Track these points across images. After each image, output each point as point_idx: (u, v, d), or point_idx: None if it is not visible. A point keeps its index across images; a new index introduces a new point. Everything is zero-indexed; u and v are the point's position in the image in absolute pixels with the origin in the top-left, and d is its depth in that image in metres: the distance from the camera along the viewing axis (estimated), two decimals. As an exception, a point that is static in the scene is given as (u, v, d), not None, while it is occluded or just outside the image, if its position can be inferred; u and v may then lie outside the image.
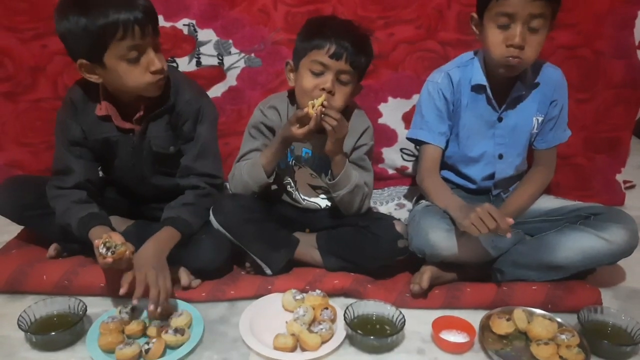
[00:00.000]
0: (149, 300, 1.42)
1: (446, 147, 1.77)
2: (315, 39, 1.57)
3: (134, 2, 1.43)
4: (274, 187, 1.76)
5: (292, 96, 1.71)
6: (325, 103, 1.52)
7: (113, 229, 1.57)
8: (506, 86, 1.68)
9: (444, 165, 1.81)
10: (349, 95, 1.63)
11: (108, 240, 1.44)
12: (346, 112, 1.66)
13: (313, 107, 1.50)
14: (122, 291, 1.43)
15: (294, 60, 1.66)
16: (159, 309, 1.43)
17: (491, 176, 1.79)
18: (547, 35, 1.58)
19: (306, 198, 1.78)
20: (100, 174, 1.75)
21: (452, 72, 1.71)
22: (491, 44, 1.57)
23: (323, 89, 1.56)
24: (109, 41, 1.43)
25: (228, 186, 1.75)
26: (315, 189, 1.77)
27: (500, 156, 1.76)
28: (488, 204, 1.48)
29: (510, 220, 1.44)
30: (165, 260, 1.51)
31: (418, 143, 1.79)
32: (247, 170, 1.65)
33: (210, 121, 1.69)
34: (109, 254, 1.42)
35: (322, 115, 1.51)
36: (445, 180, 1.80)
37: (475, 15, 1.63)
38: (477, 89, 1.70)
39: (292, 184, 1.77)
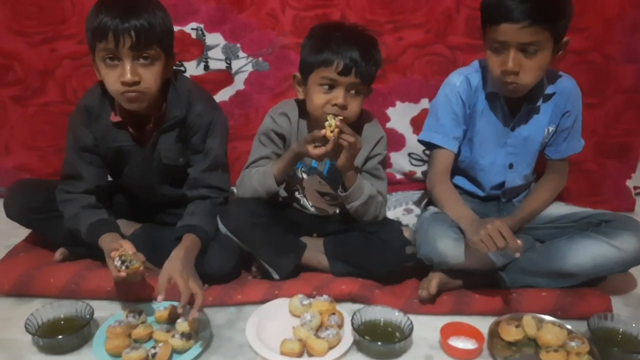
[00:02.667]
0: (192, 306, 1.39)
1: (458, 152, 1.76)
2: (322, 54, 1.55)
3: (131, 14, 1.44)
4: (283, 194, 1.75)
5: (301, 105, 1.70)
6: (339, 118, 1.51)
7: (122, 235, 1.57)
8: (520, 96, 1.65)
9: (455, 170, 1.80)
10: (361, 104, 1.62)
11: (124, 254, 1.44)
12: (360, 121, 1.66)
13: (330, 127, 1.49)
14: (160, 299, 1.39)
15: (301, 73, 1.64)
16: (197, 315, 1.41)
17: (501, 185, 1.78)
18: (557, 56, 1.56)
19: (314, 205, 1.77)
20: (109, 178, 1.75)
21: (471, 76, 1.70)
22: (490, 66, 1.58)
23: (335, 105, 1.55)
24: (95, 41, 1.47)
25: (235, 191, 1.75)
26: (324, 196, 1.76)
27: (511, 166, 1.75)
28: (499, 221, 1.46)
29: (520, 242, 1.43)
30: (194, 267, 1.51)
31: (430, 147, 1.77)
32: (258, 179, 1.65)
33: (221, 135, 1.68)
34: (124, 267, 1.42)
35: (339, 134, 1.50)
36: (455, 186, 1.78)
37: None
38: (492, 97, 1.69)
39: (300, 191, 1.76)
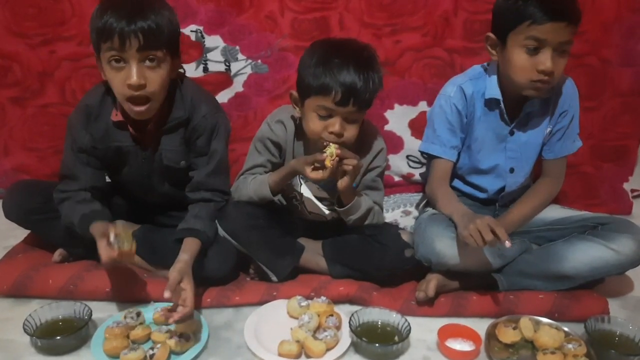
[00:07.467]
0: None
1: (458, 158, 1.76)
2: (319, 79, 1.50)
3: (138, 15, 1.41)
4: (282, 202, 1.75)
5: (297, 120, 1.68)
6: (337, 146, 1.50)
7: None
8: (519, 101, 1.65)
9: (456, 175, 1.80)
10: (359, 127, 1.59)
11: (118, 234, 1.43)
12: (360, 131, 1.62)
13: (331, 156, 1.48)
14: (167, 295, 1.38)
15: (298, 91, 1.60)
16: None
17: (501, 190, 1.78)
18: None
19: (312, 211, 1.77)
20: (107, 179, 1.74)
21: (464, 85, 1.69)
22: (518, 68, 1.54)
23: (332, 132, 1.53)
24: (100, 42, 1.44)
25: (232, 194, 1.75)
26: (322, 201, 1.76)
27: (512, 170, 1.75)
28: (488, 217, 1.47)
29: (508, 242, 1.42)
30: None
31: (430, 156, 1.77)
32: (254, 188, 1.65)
33: (225, 137, 1.68)
34: (116, 246, 1.41)
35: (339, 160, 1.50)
36: (454, 189, 1.78)
37: (492, 35, 1.59)
38: (491, 103, 1.68)
39: (298, 197, 1.76)
